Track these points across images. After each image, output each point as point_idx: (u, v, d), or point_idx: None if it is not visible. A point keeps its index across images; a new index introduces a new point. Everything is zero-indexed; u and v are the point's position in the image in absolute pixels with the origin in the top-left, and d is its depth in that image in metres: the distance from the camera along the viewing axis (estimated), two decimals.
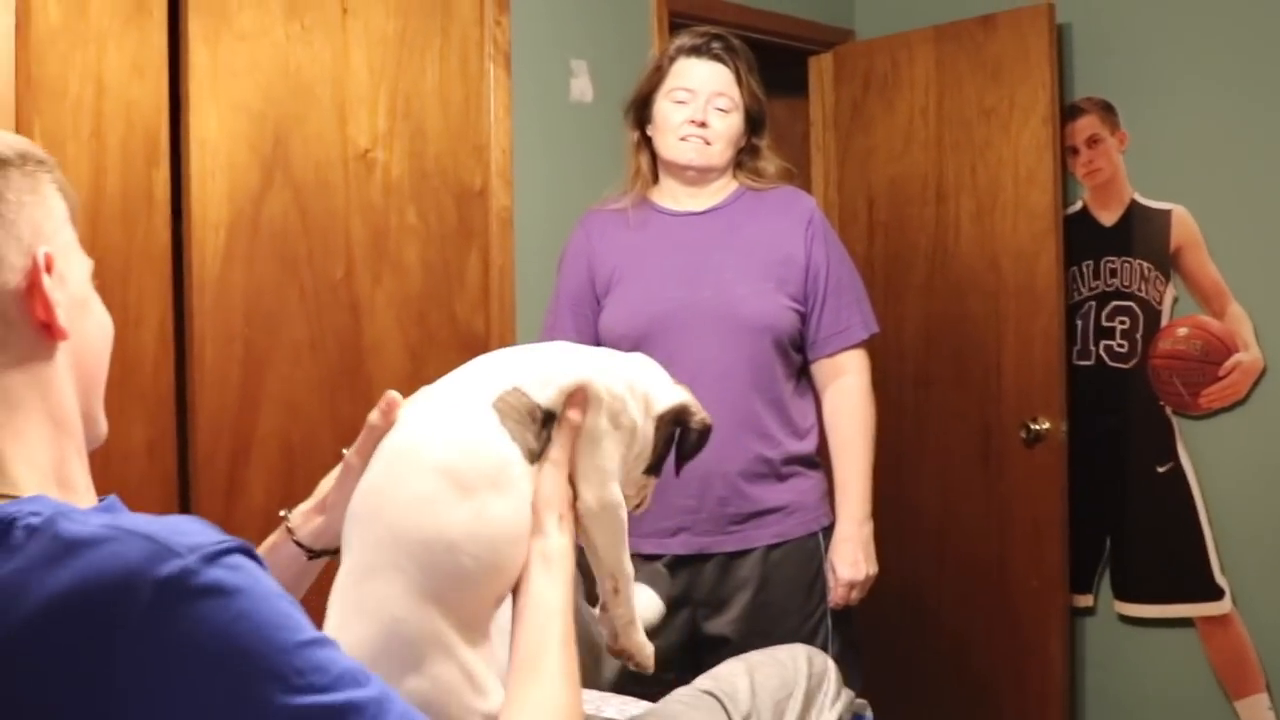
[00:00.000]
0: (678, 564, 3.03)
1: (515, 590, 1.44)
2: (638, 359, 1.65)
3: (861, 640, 3.23)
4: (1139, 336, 4.38)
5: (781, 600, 3.03)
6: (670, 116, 3.10)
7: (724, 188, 3.17)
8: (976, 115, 4.50)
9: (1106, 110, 4.42)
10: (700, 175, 3.13)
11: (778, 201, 3.16)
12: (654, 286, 3.07)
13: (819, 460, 3.16)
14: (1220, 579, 4.21)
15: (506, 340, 3.88)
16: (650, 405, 1.58)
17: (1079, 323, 4.51)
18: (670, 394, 1.61)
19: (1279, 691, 4.14)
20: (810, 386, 3.17)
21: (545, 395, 1.48)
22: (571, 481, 1.50)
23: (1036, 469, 4.34)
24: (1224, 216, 4.20)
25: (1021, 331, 4.38)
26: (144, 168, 3.18)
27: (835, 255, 3.15)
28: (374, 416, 1.49)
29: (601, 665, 2.03)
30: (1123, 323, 4.41)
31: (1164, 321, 4.32)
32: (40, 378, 1.17)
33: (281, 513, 1.59)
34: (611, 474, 1.53)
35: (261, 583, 1.06)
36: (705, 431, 1.63)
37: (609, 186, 3.34)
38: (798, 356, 3.11)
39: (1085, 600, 4.51)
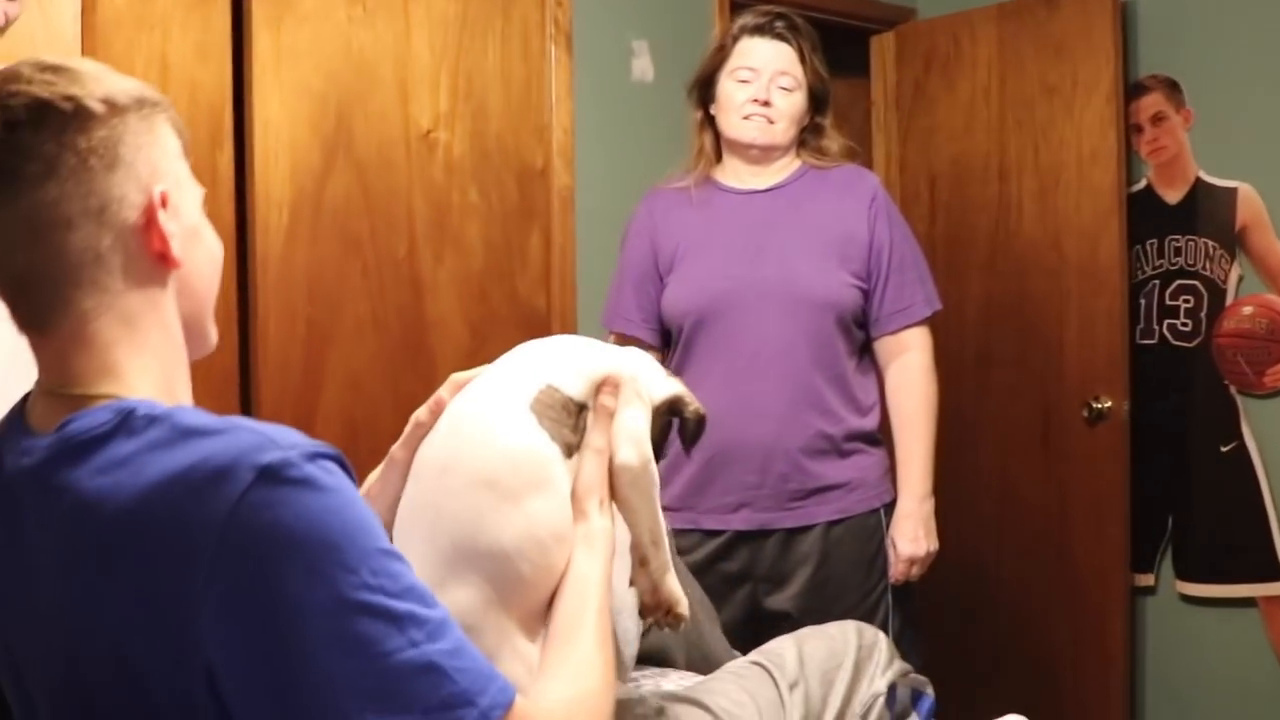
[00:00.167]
0: (739, 540, 3.04)
1: None
2: (634, 353, 1.71)
3: (921, 618, 3.23)
4: (1203, 315, 4.34)
5: (842, 576, 3.04)
6: (734, 95, 3.10)
7: (787, 166, 3.17)
8: (1039, 94, 4.46)
9: (1171, 88, 4.38)
10: (763, 154, 3.13)
11: (841, 180, 3.16)
12: (717, 264, 3.08)
13: (880, 437, 3.16)
14: None
15: (567, 318, 3.90)
16: (649, 395, 1.65)
17: (1142, 302, 4.47)
18: (665, 385, 1.68)
19: None
20: (873, 364, 3.17)
21: (577, 388, 1.55)
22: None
23: (1098, 448, 4.32)
24: None
25: (1084, 310, 4.35)
26: (208, 149, 3.22)
27: (898, 233, 3.14)
28: (422, 414, 1.58)
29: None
30: (1187, 301, 4.37)
31: (1229, 300, 4.28)
32: (156, 301, 1.30)
33: None
34: (645, 436, 1.59)
35: (350, 489, 1.18)
36: (700, 420, 1.70)
37: (669, 166, 3.35)
38: (860, 334, 3.12)
39: (1146, 580, 4.48)
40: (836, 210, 3.11)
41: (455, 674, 1.16)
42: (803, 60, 3.10)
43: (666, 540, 1.62)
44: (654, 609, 1.63)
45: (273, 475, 1.12)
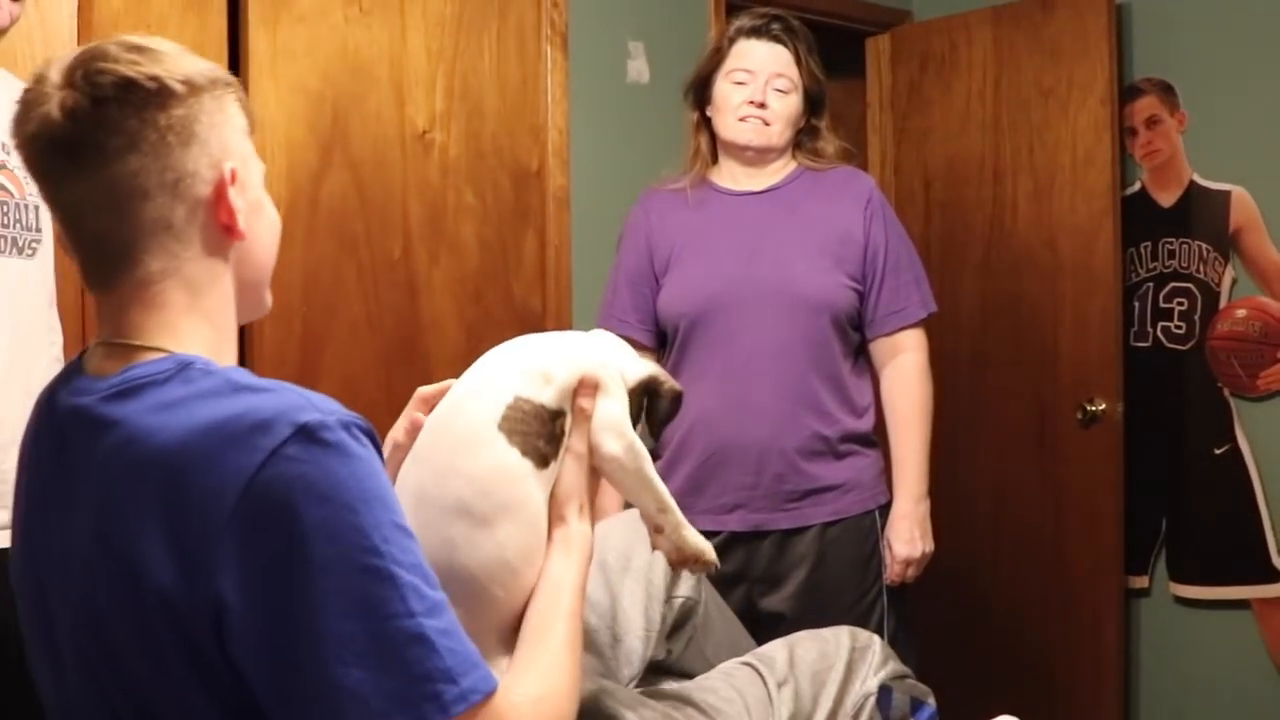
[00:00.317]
0: (734, 541, 3.04)
1: None
2: (603, 337, 1.72)
3: (916, 619, 3.23)
4: (1197, 318, 4.35)
5: (837, 577, 3.04)
6: (730, 97, 3.10)
7: (783, 168, 3.17)
8: (1034, 96, 4.47)
9: (1166, 91, 4.38)
10: (759, 155, 3.14)
11: (837, 181, 3.16)
12: (713, 265, 3.08)
13: (876, 438, 3.16)
14: (1277, 560, 4.18)
15: (562, 319, 3.90)
16: (623, 378, 1.65)
17: (1136, 304, 4.48)
18: (639, 367, 1.69)
19: None
20: (868, 365, 3.17)
21: (548, 395, 1.55)
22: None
23: (1092, 450, 4.32)
24: None
25: (1078, 312, 4.36)
26: None
27: (894, 234, 3.15)
28: (399, 435, 1.62)
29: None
30: (1181, 304, 4.38)
31: (1222, 303, 4.29)
32: (217, 271, 1.40)
33: None
34: (625, 420, 1.60)
35: (376, 463, 1.26)
36: (676, 398, 1.71)
37: (665, 167, 3.35)
38: (856, 335, 3.12)
39: (1140, 581, 4.49)
40: (832, 212, 3.11)
41: (445, 651, 1.22)
42: (799, 62, 3.11)
43: (672, 501, 1.64)
44: (682, 564, 1.67)
45: (308, 434, 1.21)
